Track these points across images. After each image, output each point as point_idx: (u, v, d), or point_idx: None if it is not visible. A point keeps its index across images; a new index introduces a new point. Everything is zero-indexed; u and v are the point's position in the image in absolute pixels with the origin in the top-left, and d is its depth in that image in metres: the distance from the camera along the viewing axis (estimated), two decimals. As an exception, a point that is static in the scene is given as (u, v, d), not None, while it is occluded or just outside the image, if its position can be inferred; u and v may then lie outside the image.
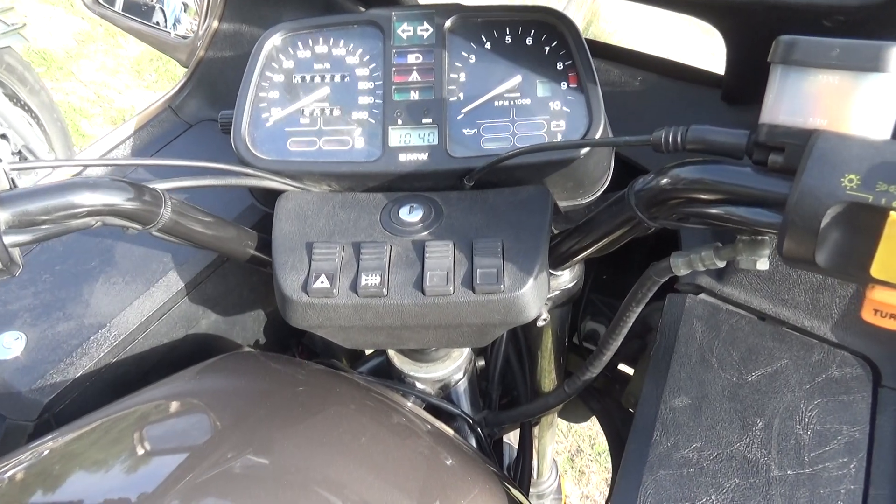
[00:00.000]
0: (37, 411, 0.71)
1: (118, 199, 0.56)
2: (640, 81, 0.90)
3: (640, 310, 0.65)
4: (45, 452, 0.60)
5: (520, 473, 0.96)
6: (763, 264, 0.53)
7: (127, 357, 0.79)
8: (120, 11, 0.99)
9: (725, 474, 0.60)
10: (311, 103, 0.75)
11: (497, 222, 0.68)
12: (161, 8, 1.03)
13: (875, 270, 0.41)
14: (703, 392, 0.66)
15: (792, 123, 0.46)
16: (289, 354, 1.04)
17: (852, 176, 0.41)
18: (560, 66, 0.74)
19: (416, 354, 0.79)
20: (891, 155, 0.41)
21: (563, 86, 0.73)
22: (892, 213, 0.40)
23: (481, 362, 0.91)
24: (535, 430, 1.15)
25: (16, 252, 0.52)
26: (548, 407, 0.79)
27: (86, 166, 0.82)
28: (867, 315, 0.45)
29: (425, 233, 0.68)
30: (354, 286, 0.64)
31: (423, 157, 0.71)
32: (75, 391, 0.74)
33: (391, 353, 0.81)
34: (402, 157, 0.71)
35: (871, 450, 0.60)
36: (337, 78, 0.75)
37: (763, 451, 0.61)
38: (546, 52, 0.74)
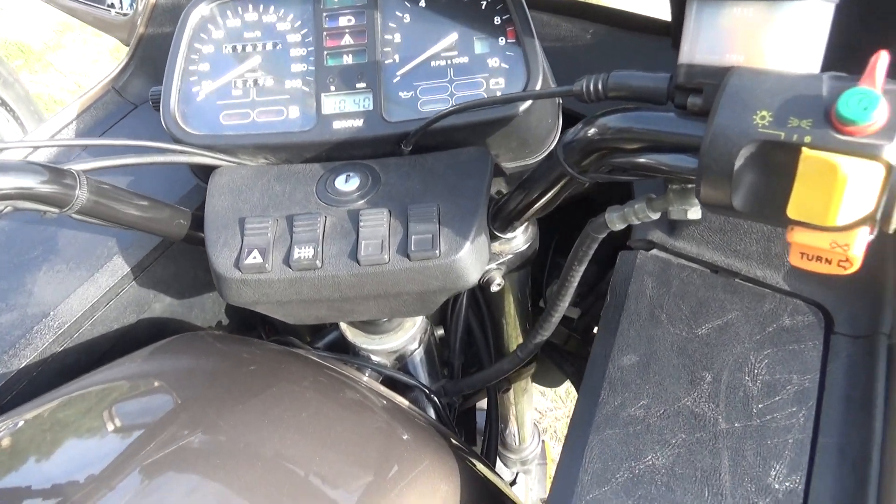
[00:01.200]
0: None
1: (27, 182, 0.54)
2: (591, 34, 0.87)
3: (583, 268, 0.63)
4: None
5: (487, 440, 0.96)
6: (694, 213, 0.51)
7: (75, 345, 0.77)
8: (56, -9, 0.96)
9: (672, 430, 0.59)
10: (243, 74, 0.72)
11: (434, 186, 0.66)
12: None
13: (791, 211, 0.39)
14: (651, 349, 0.64)
15: (709, 62, 0.44)
16: (254, 334, 1.03)
17: (764, 113, 0.39)
18: (497, 20, 0.71)
19: (368, 326, 0.78)
20: (804, 88, 0.39)
21: (502, 41, 0.70)
22: (804, 149, 0.38)
23: (441, 332, 0.90)
24: (511, 397, 1.15)
25: None
26: (503, 372, 0.77)
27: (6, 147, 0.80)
28: (794, 259, 0.43)
29: (361, 201, 0.66)
30: (287, 260, 0.63)
31: (358, 123, 0.69)
32: (22, 382, 0.73)
33: (343, 326, 0.80)
34: (337, 125, 0.69)
35: (821, 398, 0.59)
36: (269, 46, 0.73)
37: (711, 404, 0.60)
38: (483, 6, 0.71)
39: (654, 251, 0.72)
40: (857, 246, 0.39)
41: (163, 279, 0.85)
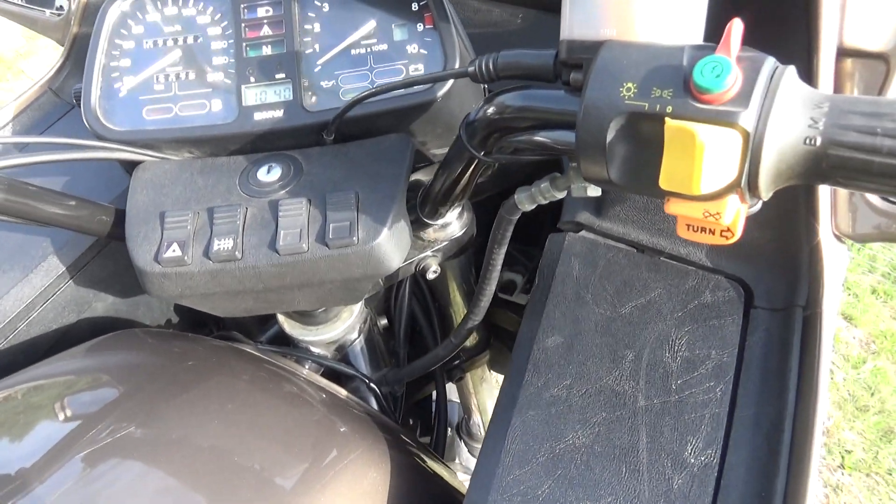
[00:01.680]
0: None
1: None
2: (521, 19, 0.86)
3: (503, 251, 0.63)
4: None
5: (436, 429, 0.96)
6: (594, 191, 0.51)
7: (10, 346, 0.77)
8: (-11, -6, 0.95)
9: (593, 409, 0.59)
10: (164, 68, 0.72)
11: (355, 174, 0.66)
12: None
13: (663, 181, 0.39)
14: (577, 329, 0.64)
15: (585, 37, 0.44)
16: (205, 331, 1.03)
17: (630, 84, 0.39)
18: (415, 7, 0.70)
19: (304, 318, 0.78)
20: (667, 58, 0.39)
21: (420, 27, 0.70)
22: (667, 119, 0.37)
23: (384, 321, 0.90)
24: (469, 386, 1.15)
25: None
26: (439, 358, 0.77)
27: None
28: (682, 231, 0.43)
29: (283, 192, 0.65)
30: (207, 252, 0.62)
31: (279, 113, 0.69)
32: None
33: (281, 318, 0.80)
34: (258, 116, 0.69)
35: (739, 372, 0.59)
36: (189, 39, 0.72)
37: (632, 382, 0.60)
38: None
39: (583, 233, 0.72)
40: (728, 214, 0.39)
41: (102, 278, 0.85)
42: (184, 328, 1.01)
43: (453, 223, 0.77)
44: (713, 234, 0.41)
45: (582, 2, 0.43)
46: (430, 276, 0.77)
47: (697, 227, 0.42)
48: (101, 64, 0.72)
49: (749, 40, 0.38)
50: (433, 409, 1.09)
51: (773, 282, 0.63)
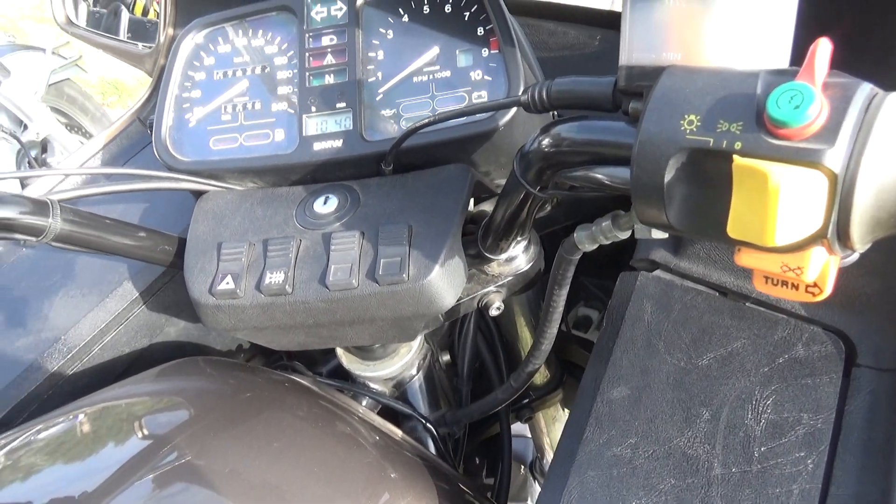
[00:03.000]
0: None
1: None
2: (598, 41, 0.82)
3: (564, 292, 0.58)
4: None
5: (500, 472, 0.91)
6: (658, 233, 0.45)
7: (85, 368, 0.80)
8: (88, 28, 1.01)
9: (660, 474, 0.53)
10: (232, 98, 0.72)
11: (410, 207, 0.63)
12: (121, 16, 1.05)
13: (732, 229, 0.33)
14: (646, 381, 0.58)
15: (647, 62, 0.39)
16: (275, 357, 1.03)
17: (692, 116, 0.34)
18: (481, 31, 0.67)
19: (362, 352, 0.76)
20: (737, 86, 0.33)
21: (485, 52, 0.67)
22: (735, 157, 0.32)
23: (447, 356, 0.86)
24: (541, 425, 1.09)
25: None
26: (498, 402, 0.73)
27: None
28: (759, 285, 0.37)
29: (337, 224, 0.64)
30: (259, 285, 0.61)
31: (338, 143, 0.67)
32: (32, 404, 0.76)
33: (339, 352, 0.78)
34: (318, 146, 0.68)
35: (836, 442, 0.51)
36: (257, 70, 0.73)
37: (706, 446, 0.53)
38: (466, 17, 0.68)
39: (658, 272, 0.66)
40: (812, 269, 0.33)
41: (174, 303, 0.87)
42: (252, 353, 1.02)
43: (519, 257, 0.73)
44: (796, 289, 0.35)
45: (643, 21, 0.38)
46: (494, 312, 0.73)
47: (778, 281, 0.36)
48: (173, 95, 0.73)
49: (839, 63, 0.32)
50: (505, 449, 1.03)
51: (880, 337, 0.54)
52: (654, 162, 0.35)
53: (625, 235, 0.49)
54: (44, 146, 2.52)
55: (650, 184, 0.35)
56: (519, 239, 0.70)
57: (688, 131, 0.34)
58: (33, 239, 0.59)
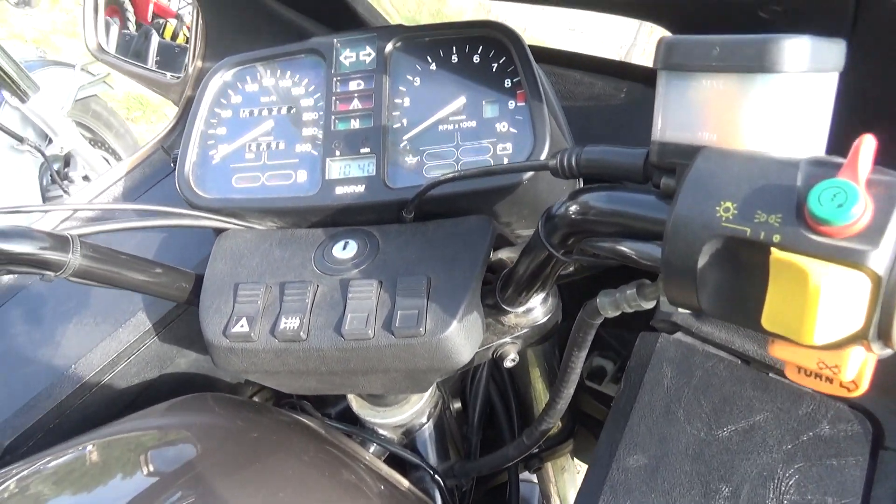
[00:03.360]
0: None
1: (16, 247, 0.56)
2: (625, 93, 0.81)
3: (583, 354, 0.57)
4: None
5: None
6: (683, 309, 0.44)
7: (94, 399, 0.79)
8: (115, 55, 1.03)
9: None
10: (256, 137, 0.73)
11: (430, 257, 0.63)
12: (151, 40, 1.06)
13: (766, 321, 0.32)
14: (663, 450, 0.57)
15: (681, 140, 0.38)
16: (284, 395, 1.02)
17: (728, 203, 0.33)
18: (508, 83, 0.67)
19: (372, 398, 0.75)
20: (777, 175, 0.32)
21: (511, 105, 0.67)
22: (774, 250, 0.31)
23: (458, 404, 0.85)
24: (549, 475, 1.06)
25: None
26: (508, 459, 0.71)
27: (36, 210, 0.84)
28: (791, 374, 0.36)
29: (355, 271, 0.63)
30: (274, 330, 0.61)
31: (360, 189, 0.67)
32: (38, 433, 0.75)
33: (350, 396, 0.77)
34: (339, 190, 0.67)
35: None
36: (283, 110, 0.73)
37: None
38: (493, 69, 0.68)
39: (679, 334, 0.64)
40: (850, 368, 0.32)
41: (187, 336, 0.86)
42: (260, 387, 1.01)
43: (536, 309, 0.72)
44: (830, 382, 0.34)
45: (678, 99, 0.38)
46: (508, 364, 0.72)
47: (811, 373, 0.35)
48: (199, 131, 0.73)
49: (884, 159, 0.31)
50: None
51: (910, 420, 0.53)
52: (687, 245, 0.34)
53: (649, 305, 0.48)
54: (66, 160, 2.55)
55: (682, 266, 0.35)
56: (538, 293, 0.69)
57: (723, 218, 0.33)
58: (51, 274, 0.59)
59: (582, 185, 0.62)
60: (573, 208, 0.46)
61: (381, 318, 0.59)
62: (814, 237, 0.30)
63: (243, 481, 0.61)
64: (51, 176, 2.43)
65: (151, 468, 0.63)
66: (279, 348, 0.61)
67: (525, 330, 0.72)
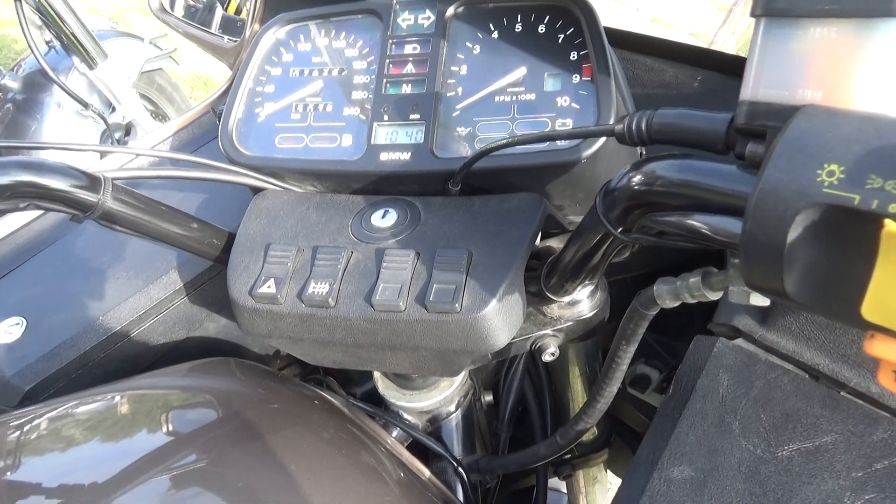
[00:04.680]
0: (17, 398, 0.71)
1: (47, 181, 0.54)
2: (699, 82, 0.75)
3: (632, 349, 0.52)
4: None
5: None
6: (760, 300, 0.38)
7: (119, 353, 0.77)
8: (180, 17, 1.02)
9: None
10: (304, 98, 0.70)
11: (474, 232, 0.58)
12: (215, 12, 1.05)
13: (868, 310, 0.27)
14: (713, 463, 0.51)
15: (776, 99, 0.33)
16: (310, 369, 0.99)
17: (833, 167, 0.28)
18: (574, 56, 0.63)
19: (400, 380, 0.71)
20: (894, 135, 0.27)
21: (575, 79, 0.62)
22: (888, 222, 0.26)
23: (490, 397, 0.80)
24: (580, 485, 1.01)
25: None
26: (538, 458, 0.66)
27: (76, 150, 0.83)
28: (885, 379, 0.30)
29: (392, 240, 0.60)
30: (301, 294, 0.58)
31: (406, 156, 0.63)
32: (60, 381, 0.74)
33: (377, 375, 0.73)
34: (384, 156, 0.64)
35: None
36: (335, 72, 0.70)
37: None
38: (560, 40, 0.64)
39: (740, 341, 0.59)
40: (971, 375, 0.26)
41: (217, 299, 0.84)
42: (289, 361, 0.98)
43: (583, 302, 0.67)
44: (937, 393, 0.28)
45: (778, 51, 0.33)
46: (547, 357, 0.67)
47: (910, 378, 0.29)
48: (246, 88, 0.71)
49: None
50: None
51: None
52: (776, 216, 0.29)
53: (715, 296, 0.42)
54: (127, 129, 2.60)
55: (768, 242, 0.29)
56: (587, 282, 0.64)
57: (826, 183, 0.28)
58: (78, 213, 0.57)
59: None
60: (637, 178, 0.41)
61: (415, 290, 0.55)
62: None
63: (255, 450, 0.59)
64: (111, 143, 2.48)
65: (167, 429, 0.61)
66: (305, 314, 0.58)
67: (569, 323, 0.67)
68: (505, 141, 0.54)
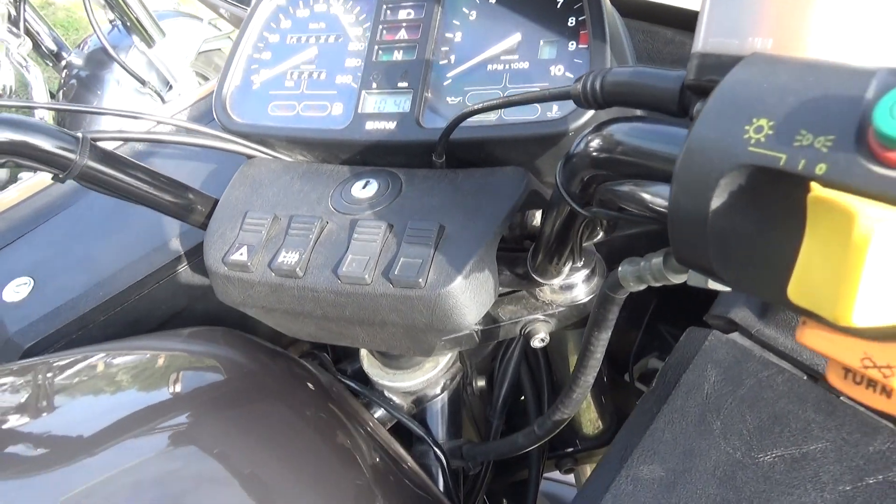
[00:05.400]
0: (16, 354, 0.73)
1: (25, 138, 0.54)
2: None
3: (606, 336, 0.48)
4: None
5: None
6: (715, 283, 0.34)
7: (118, 317, 0.78)
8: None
9: None
10: (299, 65, 0.68)
11: (452, 205, 0.56)
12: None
13: (794, 290, 0.23)
14: (686, 465, 0.47)
15: (725, 49, 0.29)
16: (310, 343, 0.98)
17: (763, 121, 0.24)
18: (572, 22, 0.59)
19: (384, 358, 0.69)
20: (839, 84, 0.23)
21: (572, 46, 0.58)
22: (814, 185, 0.22)
23: (482, 383, 0.77)
24: (582, 479, 0.97)
25: None
26: (517, 448, 0.63)
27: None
28: (834, 378, 0.26)
29: (369, 212, 0.57)
30: (272, 262, 0.56)
31: (391, 125, 0.61)
32: (59, 342, 0.75)
33: (362, 352, 0.71)
34: (370, 125, 0.62)
35: None
36: (331, 38, 0.68)
37: None
38: (558, 5, 0.60)
39: (735, 335, 0.54)
40: (909, 372, 0.22)
41: None
42: (296, 341, 0.98)
43: (578, 287, 0.63)
44: (888, 396, 0.24)
45: None
46: (536, 343, 0.63)
47: (862, 378, 0.25)
48: (244, 55, 0.70)
49: None
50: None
51: None
52: (700, 180, 0.25)
53: (678, 279, 0.38)
54: (183, 107, 2.67)
55: (693, 210, 0.26)
56: (577, 265, 0.60)
57: (752, 141, 0.24)
58: (55, 171, 0.57)
59: None
60: (594, 144, 0.37)
61: (382, 263, 0.53)
62: (874, 168, 0.21)
63: (224, 418, 0.58)
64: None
65: (135, 389, 0.61)
66: (275, 283, 0.56)
67: (561, 308, 0.63)
68: (478, 106, 0.51)
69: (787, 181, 0.23)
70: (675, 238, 0.27)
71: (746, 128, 0.24)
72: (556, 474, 0.91)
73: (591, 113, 0.53)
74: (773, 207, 0.24)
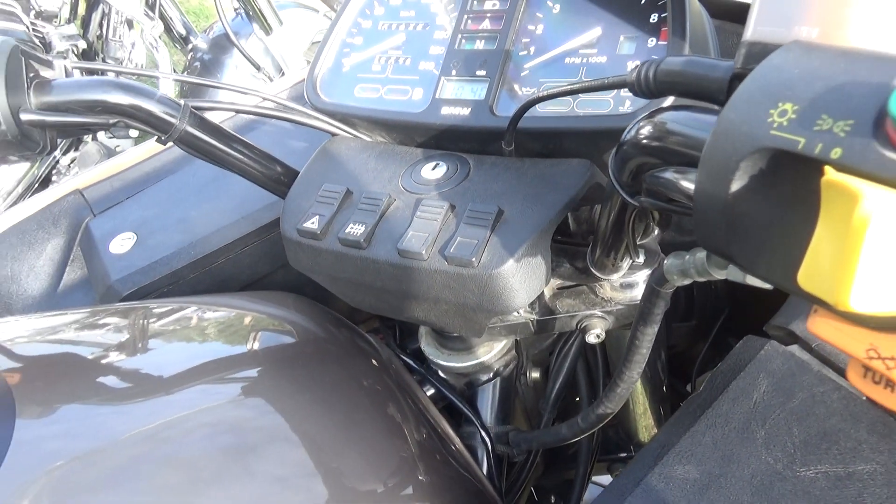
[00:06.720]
0: (116, 300, 0.81)
1: (135, 101, 0.60)
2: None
3: (652, 331, 0.48)
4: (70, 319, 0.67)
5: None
6: (753, 279, 0.34)
7: (206, 276, 0.85)
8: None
9: None
10: (387, 50, 0.71)
11: (514, 192, 0.57)
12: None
13: (804, 275, 0.23)
14: (723, 469, 0.46)
15: (773, 38, 0.29)
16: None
17: (788, 105, 0.24)
18: (654, 18, 0.58)
19: (441, 337, 0.71)
20: (864, 70, 0.23)
21: (651, 42, 0.58)
22: (828, 169, 0.22)
23: (537, 374, 0.77)
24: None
25: (34, 131, 0.59)
26: (561, 438, 0.63)
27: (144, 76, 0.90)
28: (853, 375, 0.26)
29: (434, 192, 0.60)
30: (340, 232, 0.60)
31: (465, 111, 0.63)
32: (152, 293, 0.82)
33: (422, 329, 0.74)
34: (445, 111, 0.64)
35: None
36: (419, 26, 0.71)
37: None
38: (643, 1, 0.59)
39: (794, 347, 0.52)
40: (911, 364, 0.21)
41: None
42: (371, 316, 1.01)
43: (639, 286, 0.63)
44: (892, 390, 0.23)
45: None
46: (592, 339, 0.64)
47: (880, 377, 0.24)
48: (338, 39, 0.74)
49: None
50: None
51: None
52: (723, 163, 0.25)
53: (720, 275, 0.38)
54: (293, 93, 2.81)
55: (714, 193, 0.26)
56: (637, 262, 0.60)
57: (776, 124, 0.24)
58: (160, 134, 0.63)
59: None
60: (646, 130, 0.38)
61: (440, 241, 0.55)
62: (887, 153, 0.20)
63: (276, 377, 0.61)
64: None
65: (215, 341, 0.65)
66: (340, 252, 0.60)
67: (619, 307, 0.63)
68: (543, 94, 0.52)
69: (805, 165, 0.23)
70: (698, 221, 0.27)
71: (771, 112, 0.24)
72: (607, 479, 0.90)
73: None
74: (791, 192, 0.24)
